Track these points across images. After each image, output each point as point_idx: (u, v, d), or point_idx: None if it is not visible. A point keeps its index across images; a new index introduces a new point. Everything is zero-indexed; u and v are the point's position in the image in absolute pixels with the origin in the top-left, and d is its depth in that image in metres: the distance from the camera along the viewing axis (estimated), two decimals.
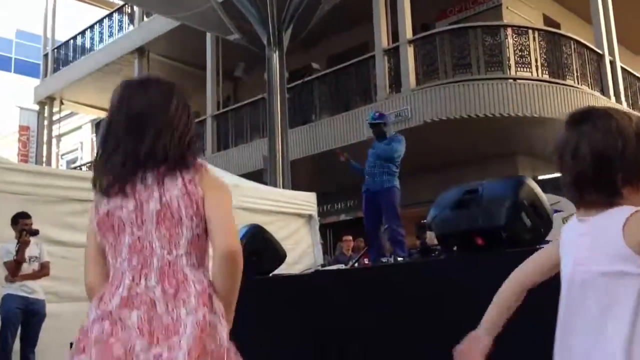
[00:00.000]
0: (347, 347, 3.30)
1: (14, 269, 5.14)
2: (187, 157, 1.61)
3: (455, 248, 3.13)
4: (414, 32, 11.42)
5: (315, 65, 11.80)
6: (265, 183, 9.33)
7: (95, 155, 1.65)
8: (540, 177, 8.84)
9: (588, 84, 11.26)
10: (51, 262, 5.43)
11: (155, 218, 1.54)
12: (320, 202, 8.78)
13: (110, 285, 1.53)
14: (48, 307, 5.35)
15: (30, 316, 5.19)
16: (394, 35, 11.54)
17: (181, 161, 1.59)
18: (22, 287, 5.18)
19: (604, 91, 11.48)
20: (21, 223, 5.13)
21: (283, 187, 9.08)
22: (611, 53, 11.88)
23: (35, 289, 5.26)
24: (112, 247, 1.57)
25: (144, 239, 1.54)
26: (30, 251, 5.24)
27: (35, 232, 5.18)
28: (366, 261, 6.40)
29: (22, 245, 5.10)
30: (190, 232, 1.56)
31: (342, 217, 13.78)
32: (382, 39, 11.50)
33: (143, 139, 1.58)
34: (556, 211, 5.49)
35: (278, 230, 6.23)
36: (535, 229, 2.96)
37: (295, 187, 9.31)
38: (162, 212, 1.54)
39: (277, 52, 9.84)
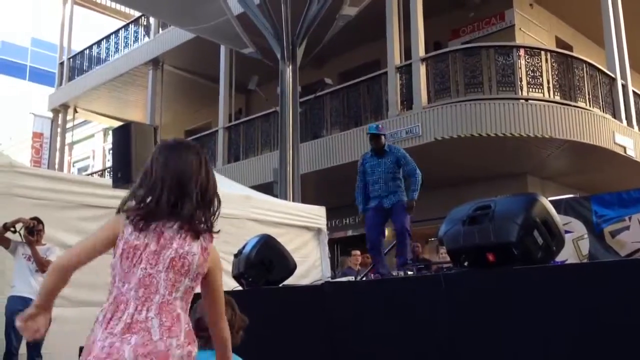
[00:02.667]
0: (356, 357, 3.31)
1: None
2: (208, 222, 1.91)
3: (466, 263, 3.14)
4: (427, 50, 11.51)
5: (328, 80, 11.87)
6: (276, 195, 9.37)
7: (133, 190, 1.92)
8: (550, 198, 8.83)
9: (600, 107, 11.26)
10: None
11: (168, 263, 1.85)
12: (328, 217, 8.79)
13: (116, 310, 1.82)
14: (57, 311, 5.25)
15: None
16: (407, 52, 11.61)
17: (202, 226, 1.90)
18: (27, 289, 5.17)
19: (615, 114, 11.49)
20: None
21: (293, 200, 9.11)
22: (623, 77, 11.88)
23: None
24: (123, 271, 1.85)
25: (153, 277, 1.83)
26: (40, 252, 5.29)
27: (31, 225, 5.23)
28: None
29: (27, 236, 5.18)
30: (189, 283, 1.89)
31: (350, 232, 13.78)
32: (395, 56, 11.56)
33: (181, 197, 1.87)
34: (567, 232, 5.49)
35: (287, 242, 6.22)
36: (547, 247, 2.96)
37: (304, 200, 9.34)
38: (175, 260, 1.85)
39: (290, 67, 9.92)
